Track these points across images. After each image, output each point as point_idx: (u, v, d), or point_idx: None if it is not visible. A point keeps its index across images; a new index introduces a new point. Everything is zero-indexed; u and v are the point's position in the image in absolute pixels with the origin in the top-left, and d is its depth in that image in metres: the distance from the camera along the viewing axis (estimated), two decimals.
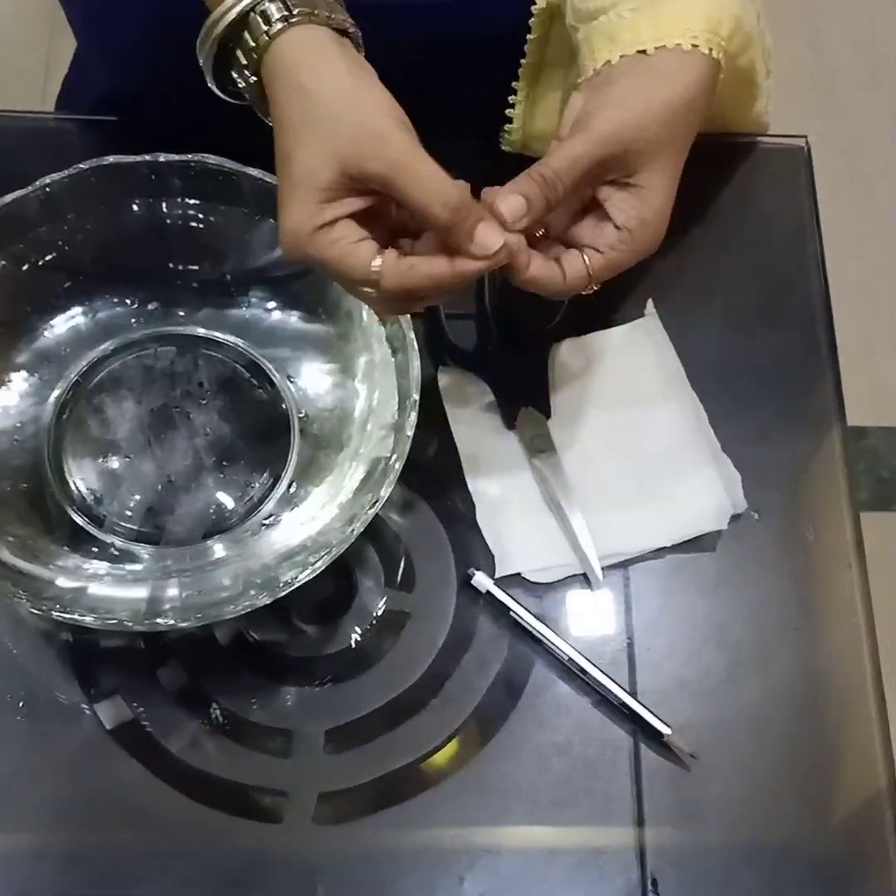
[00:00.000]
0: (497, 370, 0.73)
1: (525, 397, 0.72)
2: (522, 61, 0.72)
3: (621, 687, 0.66)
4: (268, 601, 0.60)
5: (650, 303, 0.75)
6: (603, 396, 0.73)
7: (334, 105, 0.54)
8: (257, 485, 0.69)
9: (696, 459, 0.71)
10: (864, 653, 0.68)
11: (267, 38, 0.55)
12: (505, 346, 0.73)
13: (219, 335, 0.71)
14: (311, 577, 0.60)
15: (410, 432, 0.62)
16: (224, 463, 0.69)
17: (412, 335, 0.64)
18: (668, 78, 0.60)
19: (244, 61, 0.57)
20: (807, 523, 0.72)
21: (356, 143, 0.53)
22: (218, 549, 0.67)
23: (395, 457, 0.62)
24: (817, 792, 0.65)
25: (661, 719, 0.65)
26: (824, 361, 0.76)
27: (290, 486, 0.68)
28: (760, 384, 0.75)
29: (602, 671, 0.66)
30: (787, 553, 0.71)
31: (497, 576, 0.68)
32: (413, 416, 0.63)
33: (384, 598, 0.69)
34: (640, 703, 0.65)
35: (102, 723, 0.65)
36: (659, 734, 0.65)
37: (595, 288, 0.60)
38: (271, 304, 0.71)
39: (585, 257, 0.59)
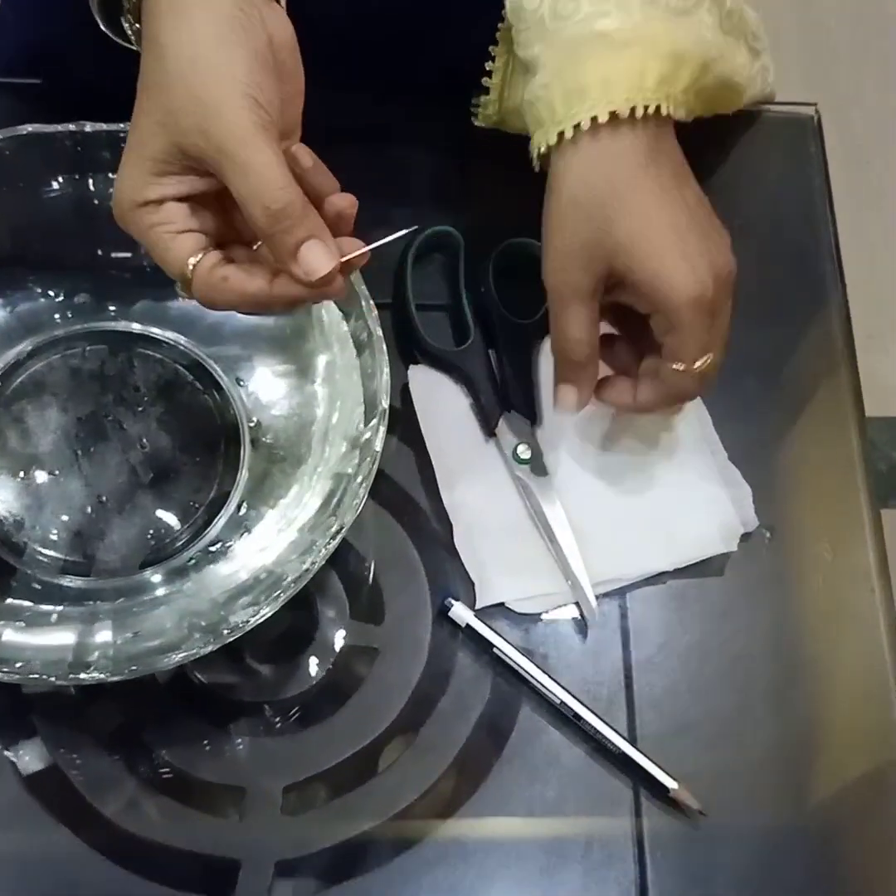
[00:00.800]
0: (475, 369, 0.64)
1: (507, 401, 0.63)
2: (500, 25, 0.63)
3: (620, 734, 0.58)
4: (213, 648, 0.51)
5: None
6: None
7: (180, 68, 0.47)
8: (202, 506, 0.60)
9: (702, 472, 0.63)
10: (891, 687, 0.61)
11: None
12: (484, 341, 0.65)
13: (157, 332, 0.62)
14: (265, 618, 0.52)
15: (379, 447, 0.54)
16: (164, 480, 0.60)
17: (379, 331, 0.56)
18: (593, 167, 0.55)
19: (126, 5, 0.51)
20: (823, 540, 0.64)
21: (190, 113, 0.46)
22: (157, 581, 0.58)
23: (361, 476, 0.54)
24: (842, 854, 0.58)
25: (665, 771, 0.57)
26: (840, 355, 0.69)
27: (239, 507, 0.59)
28: (768, 382, 0.67)
29: (598, 716, 0.58)
30: (802, 575, 0.63)
31: (478, 607, 0.60)
32: (382, 429, 0.54)
33: (349, 632, 0.60)
34: (641, 752, 0.58)
35: (21, 776, 0.56)
36: (664, 788, 0.57)
37: (707, 362, 0.56)
38: None
39: (665, 361, 0.56)
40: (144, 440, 0.61)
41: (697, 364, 0.55)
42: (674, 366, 0.55)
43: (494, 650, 0.59)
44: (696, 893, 0.56)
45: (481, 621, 0.59)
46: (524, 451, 0.62)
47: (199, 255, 0.49)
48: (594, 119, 0.54)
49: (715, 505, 0.63)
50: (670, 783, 0.57)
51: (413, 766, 0.58)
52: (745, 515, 0.63)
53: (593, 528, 0.61)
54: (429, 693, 0.59)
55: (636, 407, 0.59)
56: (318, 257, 0.47)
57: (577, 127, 0.54)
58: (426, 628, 0.60)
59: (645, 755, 0.57)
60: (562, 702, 0.58)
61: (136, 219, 0.49)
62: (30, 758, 0.57)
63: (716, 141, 0.71)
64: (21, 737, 0.57)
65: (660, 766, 0.57)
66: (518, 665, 0.59)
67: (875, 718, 0.60)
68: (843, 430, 0.67)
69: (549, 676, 0.59)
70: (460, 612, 0.60)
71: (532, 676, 0.59)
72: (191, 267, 0.48)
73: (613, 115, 0.54)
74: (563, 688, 0.58)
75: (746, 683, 0.60)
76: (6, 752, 0.56)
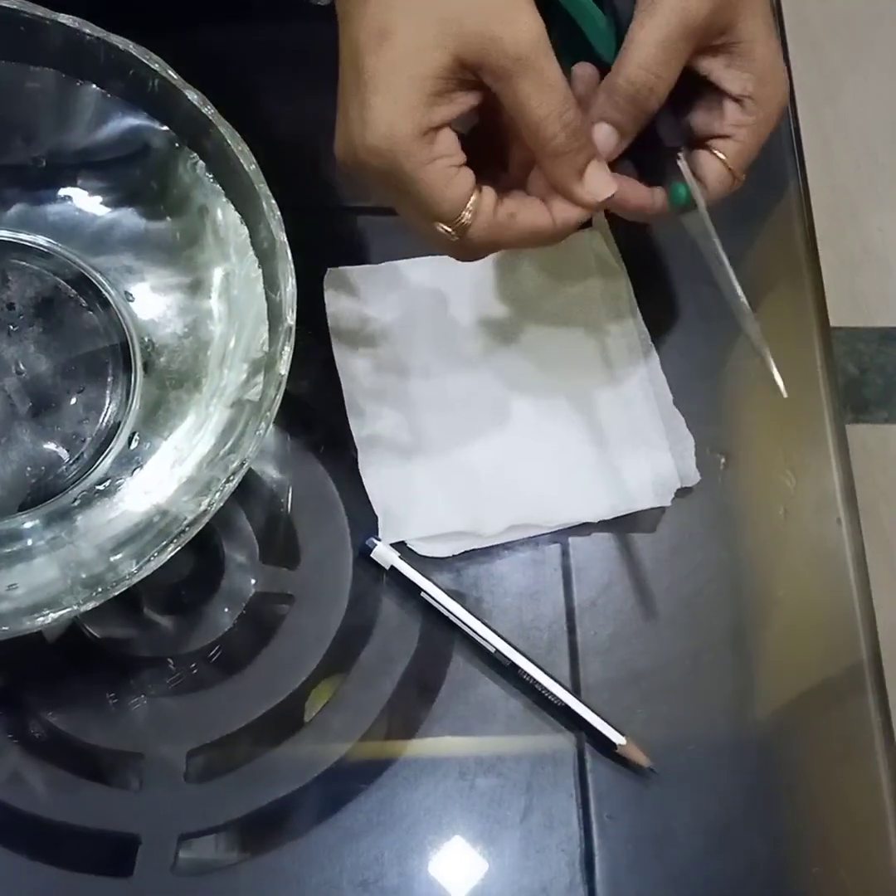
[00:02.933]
0: None
1: None
2: None
3: (562, 684, 0.52)
4: (96, 604, 0.44)
5: (600, 213, 0.60)
6: (534, 317, 0.58)
7: None
8: (88, 439, 0.53)
9: (642, 417, 0.57)
10: (858, 626, 0.55)
11: None
12: None
13: (32, 240, 0.54)
14: (158, 567, 0.45)
15: (284, 370, 0.47)
16: (44, 410, 0.53)
17: (283, 237, 0.48)
18: None
19: None
20: (784, 466, 0.58)
21: (482, 20, 0.43)
22: (36, 525, 0.51)
23: (265, 403, 0.47)
24: (808, 813, 0.53)
25: (612, 725, 0.51)
26: (801, 259, 0.62)
27: (131, 439, 0.52)
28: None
29: (537, 665, 0.52)
30: (761, 505, 0.57)
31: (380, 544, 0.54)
32: (288, 349, 0.47)
33: (259, 578, 0.54)
34: (585, 704, 0.52)
35: None
36: (611, 744, 0.51)
37: (742, 181, 0.50)
38: (101, 199, 0.54)
39: (717, 152, 0.49)
40: (20, 365, 0.53)
41: (743, 177, 0.50)
42: (730, 164, 0.49)
43: (422, 594, 0.53)
44: (648, 862, 0.51)
45: (407, 563, 0.53)
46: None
47: (478, 193, 0.45)
48: None
49: (653, 455, 0.56)
50: (617, 738, 0.51)
51: (332, 726, 0.52)
52: (685, 469, 0.56)
53: (517, 466, 0.55)
54: (350, 643, 0.53)
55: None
56: (602, 179, 0.46)
57: None
58: (346, 571, 0.54)
59: (589, 707, 0.52)
60: (497, 650, 0.52)
61: (416, 151, 0.44)
62: None
63: None
64: None
65: (606, 720, 0.52)
66: (448, 610, 0.53)
67: (842, 661, 0.55)
68: (805, 342, 0.61)
69: (483, 622, 0.53)
70: (384, 552, 0.53)
71: (464, 623, 0.53)
72: (472, 206, 0.45)
73: None
74: (497, 635, 0.53)
75: (701, 626, 0.55)
76: None
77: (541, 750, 0.52)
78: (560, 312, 0.59)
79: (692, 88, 0.49)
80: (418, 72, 0.44)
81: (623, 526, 0.56)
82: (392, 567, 0.53)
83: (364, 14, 0.45)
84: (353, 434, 0.55)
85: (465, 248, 0.47)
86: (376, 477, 0.55)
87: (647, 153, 0.50)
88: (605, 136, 0.48)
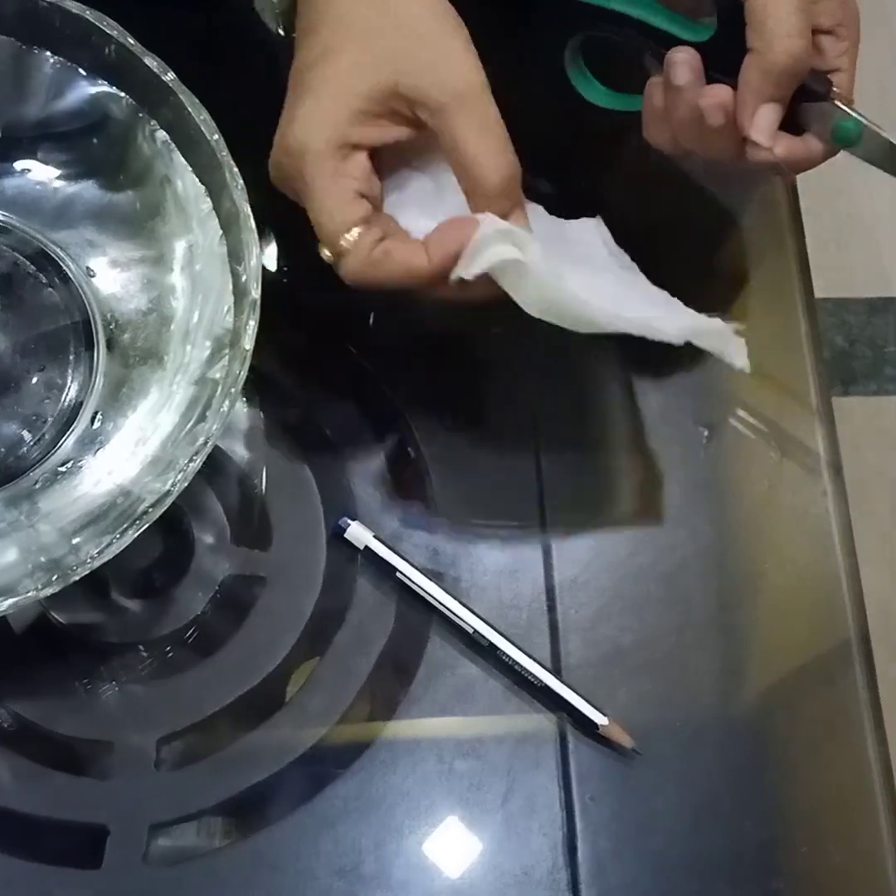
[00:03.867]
0: None
1: None
2: None
3: (542, 664, 0.51)
4: (55, 589, 0.43)
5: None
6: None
7: (409, 12, 0.45)
8: (50, 419, 0.51)
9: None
10: (845, 601, 0.54)
11: None
12: None
13: None
14: (124, 549, 0.44)
15: (249, 345, 0.46)
16: (3, 391, 0.51)
17: (247, 208, 0.47)
18: None
19: None
20: (769, 438, 0.57)
21: (426, 56, 0.45)
22: None
23: (229, 379, 0.45)
24: (797, 795, 0.51)
25: (593, 705, 0.50)
26: (785, 229, 0.61)
27: (93, 419, 0.51)
28: (705, 259, 0.60)
29: (516, 645, 0.51)
30: (746, 481, 0.56)
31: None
32: (253, 323, 0.46)
33: (231, 560, 0.53)
34: (566, 684, 0.51)
35: None
36: (593, 725, 0.50)
37: (853, 101, 0.50)
38: (60, 171, 0.53)
39: (835, 87, 0.49)
40: None
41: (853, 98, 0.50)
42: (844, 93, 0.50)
43: (397, 575, 0.52)
44: (632, 844, 0.50)
45: (382, 543, 0.52)
46: None
47: (365, 226, 0.45)
48: None
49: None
50: (599, 718, 0.50)
51: (308, 709, 0.51)
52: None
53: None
54: (324, 626, 0.52)
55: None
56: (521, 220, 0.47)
57: None
58: (319, 552, 0.53)
59: (571, 687, 0.51)
60: (475, 630, 0.51)
61: (321, 163, 0.45)
62: None
63: None
64: None
65: (587, 700, 0.50)
66: (424, 590, 0.51)
67: (829, 637, 0.54)
68: (790, 314, 0.59)
69: (460, 602, 0.51)
70: (358, 532, 0.52)
71: (440, 603, 0.51)
72: (353, 237, 0.45)
73: None
74: (475, 614, 0.51)
75: (685, 603, 0.53)
76: None
77: (521, 732, 0.51)
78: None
79: None
80: (350, 86, 0.45)
81: (604, 499, 0.54)
82: (366, 547, 0.52)
83: (316, 35, 0.46)
84: None
85: (344, 275, 0.47)
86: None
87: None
88: (772, 115, 0.48)
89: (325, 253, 0.47)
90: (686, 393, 0.56)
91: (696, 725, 0.52)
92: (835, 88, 0.49)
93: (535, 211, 0.53)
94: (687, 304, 0.54)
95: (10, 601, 0.43)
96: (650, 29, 0.51)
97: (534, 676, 0.51)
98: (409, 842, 0.49)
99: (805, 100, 0.49)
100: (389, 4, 0.46)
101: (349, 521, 0.52)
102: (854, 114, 0.49)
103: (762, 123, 0.48)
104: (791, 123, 0.50)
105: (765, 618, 0.54)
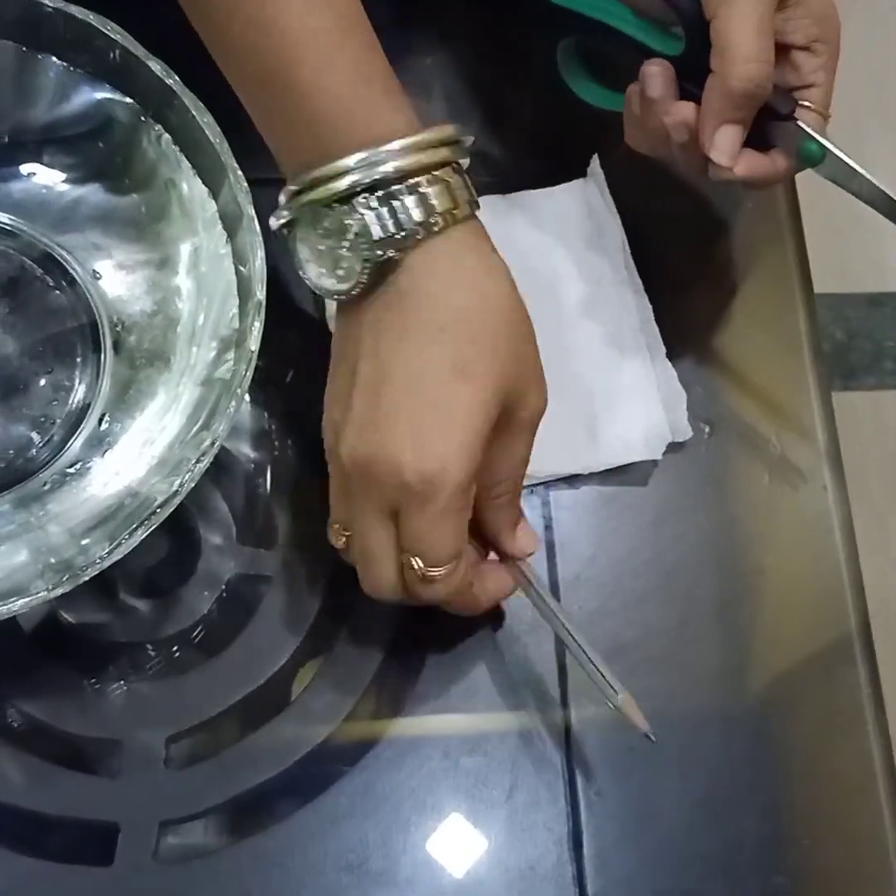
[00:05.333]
0: None
1: None
2: None
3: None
4: (68, 588, 0.44)
5: (595, 160, 0.59)
6: (526, 273, 0.57)
7: (489, 317, 0.45)
8: (58, 421, 0.51)
9: (634, 369, 0.56)
10: (846, 594, 0.54)
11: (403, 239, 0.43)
12: None
13: None
14: (131, 550, 0.44)
15: (255, 346, 0.46)
16: (11, 393, 0.52)
17: (251, 210, 0.47)
18: None
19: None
20: (769, 433, 0.57)
21: (523, 381, 0.46)
22: (5, 510, 0.50)
23: (235, 381, 0.46)
24: (801, 784, 0.52)
25: (611, 684, 0.48)
26: (784, 224, 0.61)
27: (101, 420, 0.51)
28: (704, 254, 0.61)
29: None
30: (746, 473, 0.56)
31: None
32: (258, 324, 0.46)
33: (237, 559, 0.53)
34: (591, 660, 0.48)
35: None
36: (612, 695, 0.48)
37: (830, 116, 0.51)
38: (66, 175, 0.53)
39: (805, 103, 0.50)
40: None
41: (830, 113, 0.51)
42: (819, 109, 0.50)
43: None
44: (637, 838, 0.50)
45: None
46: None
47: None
48: None
49: (644, 406, 0.55)
50: (619, 689, 0.47)
51: (314, 708, 0.51)
52: (677, 422, 0.55)
53: None
54: (329, 625, 0.52)
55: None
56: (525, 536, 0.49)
57: None
58: (325, 551, 0.53)
59: (593, 663, 0.49)
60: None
61: (462, 495, 0.44)
62: None
63: None
64: None
65: (606, 679, 0.48)
66: None
67: (831, 630, 0.54)
68: (789, 308, 0.60)
69: None
70: None
71: None
72: (451, 568, 0.45)
73: None
74: None
75: (687, 598, 0.54)
76: None
77: (526, 727, 0.51)
78: (550, 259, 0.57)
79: None
80: (479, 425, 0.43)
81: (606, 496, 0.55)
82: None
83: (431, 340, 0.44)
84: None
85: (416, 593, 0.46)
86: None
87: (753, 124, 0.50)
88: (732, 136, 0.48)
89: (417, 564, 0.45)
90: (687, 387, 0.57)
91: (700, 720, 0.52)
92: (807, 104, 0.50)
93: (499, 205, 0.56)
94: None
95: (22, 601, 0.43)
96: (628, 39, 0.52)
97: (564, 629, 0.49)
98: (416, 838, 0.50)
99: (771, 118, 0.50)
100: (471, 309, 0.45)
101: None
102: (818, 136, 0.49)
103: (722, 144, 0.49)
104: (759, 139, 0.50)
105: (767, 612, 0.54)
